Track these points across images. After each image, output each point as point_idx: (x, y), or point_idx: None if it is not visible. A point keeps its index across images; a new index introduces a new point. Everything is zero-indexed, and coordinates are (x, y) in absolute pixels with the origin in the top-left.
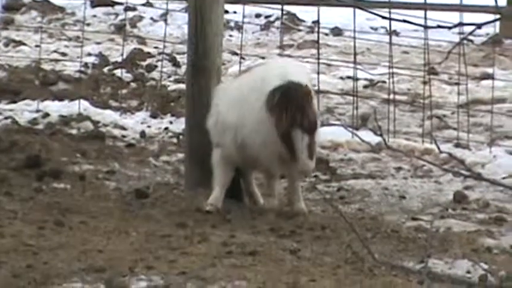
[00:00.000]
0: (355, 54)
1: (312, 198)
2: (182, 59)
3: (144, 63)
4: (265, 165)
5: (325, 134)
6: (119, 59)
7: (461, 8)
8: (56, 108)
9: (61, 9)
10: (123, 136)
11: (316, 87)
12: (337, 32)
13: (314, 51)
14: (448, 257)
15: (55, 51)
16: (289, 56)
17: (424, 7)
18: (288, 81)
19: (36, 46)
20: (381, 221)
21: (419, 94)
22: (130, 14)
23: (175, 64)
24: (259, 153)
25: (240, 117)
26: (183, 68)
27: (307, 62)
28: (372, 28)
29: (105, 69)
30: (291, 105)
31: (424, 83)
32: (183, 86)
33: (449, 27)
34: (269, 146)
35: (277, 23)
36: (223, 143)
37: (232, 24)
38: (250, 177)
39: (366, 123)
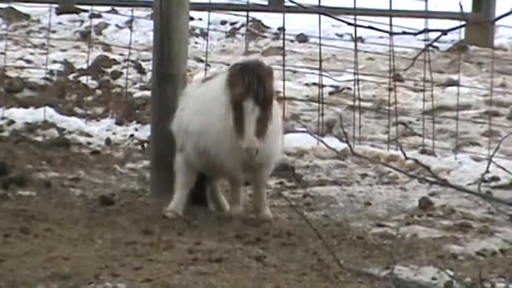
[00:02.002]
0: (320, 60)
1: (278, 204)
2: (148, 66)
3: (109, 70)
4: (229, 173)
5: (291, 140)
6: (84, 66)
7: (426, 15)
8: (21, 116)
9: (26, 16)
10: (89, 143)
11: (281, 94)
12: (302, 38)
13: (279, 58)
14: (414, 264)
15: (20, 59)
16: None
17: (390, 14)
18: (251, 59)
19: (1, 53)
20: (347, 227)
21: (384, 101)
22: (96, 21)
23: (141, 71)
24: (222, 161)
25: (203, 125)
26: (149, 75)
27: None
28: (337, 35)
29: (71, 77)
30: (249, 75)
31: (390, 89)
32: (148, 93)
33: (415, 34)
34: (232, 154)
35: (243, 30)
36: (186, 148)
37: (197, 31)
38: (215, 183)
39: (332, 130)
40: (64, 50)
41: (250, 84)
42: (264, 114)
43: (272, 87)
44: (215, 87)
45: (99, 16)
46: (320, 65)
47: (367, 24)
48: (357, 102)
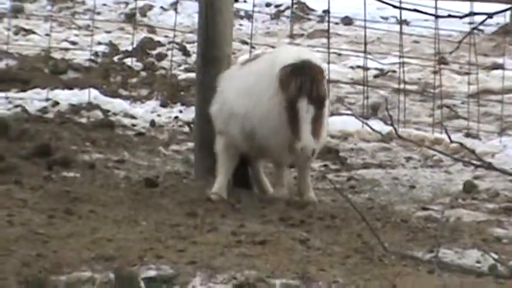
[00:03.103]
0: (365, 43)
1: (322, 187)
2: (192, 48)
3: (154, 52)
4: (275, 154)
5: (335, 123)
6: (129, 48)
7: None
8: (65, 97)
9: None
10: (133, 125)
11: (326, 77)
12: (347, 21)
13: (324, 40)
14: (458, 247)
15: (65, 40)
16: (299, 45)
17: None
18: (303, 59)
19: (46, 35)
20: (391, 210)
21: (429, 84)
22: (141, 3)
23: (186, 53)
24: (268, 141)
25: (249, 106)
26: (193, 57)
27: (318, 51)
28: (382, 17)
29: (115, 58)
30: (301, 75)
31: (435, 72)
32: (193, 75)
33: (460, 17)
34: (279, 134)
35: (288, 12)
36: (227, 131)
37: (242, 13)
38: (258, 166)
39: (376, 113)
40: (109, 32)
41: (303, 85)
42: (319, 113)
43: (324, 85)
44: (258, 68)
45: None
46: (365, 47)
47: (412, 7)
48: (401, 85)
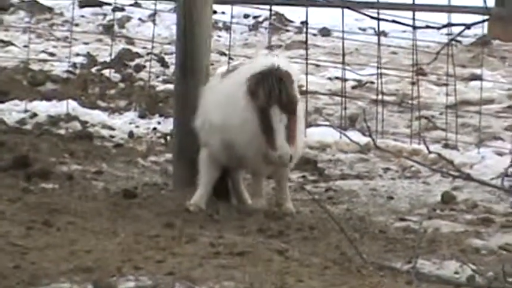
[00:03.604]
0: (343, 54)
1: (300, 198)
2: (170, 59)
3: (132, 64)
4: (252, 165)
5: (314, 134)
6: (107, 59)
7: (449, 9)
8: (44, 109)
9: (49, 9)
10: (111, 136)
11: (304, 88)
12: (325, 32)
13: (302, 51)
14: (436, 258)
15: (43, 52)
16: (277, 55)
17: (413, 8)
18: (271, 66)
19: (25, 46)
20: (369, 221)
21: (407, 95)
22: (119, 14)
23: (164, 64)
24: (245, 151)
25: (225, 117)
26: (172, 69)
27: (296, 62)
28: (360, 29)
29: (94, 70)
30: (269, 81)
31: (413, 83)
32: (171, 86)
33: (438, 28)
34: (255, 144)
35: (266, 24)
36: (210, 143)
37: (220, 24)
38: (238, 177)
39: (354, 124)
40: (87, 43)
41: (272, 91)
42: (292, 119)
43: (294, 90)
44: (234, 79)
45: (122, 9)
46: (343, 59)
47: (390, 18)
48: (379, 96)
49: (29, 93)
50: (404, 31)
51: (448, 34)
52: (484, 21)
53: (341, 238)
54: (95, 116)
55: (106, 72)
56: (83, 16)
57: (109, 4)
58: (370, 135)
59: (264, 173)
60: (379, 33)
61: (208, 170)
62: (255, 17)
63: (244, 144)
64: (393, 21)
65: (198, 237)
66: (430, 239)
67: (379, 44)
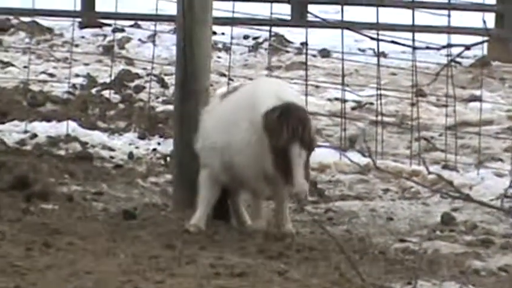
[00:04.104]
0: (343, 75)
1: (300, 219)
2: (170, 80)
3: (132, 85)
4: (252, 186)
5: (313, 155)
6: (107, 80)
7: (449, 30)
8: (44, 129)
9: (49, 30)
10: (111, 157)
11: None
12: (325, 53)
13: (302, 72)
14: (436, 279)
15: (43, 72)
16: (277, 77)
17: (412, 29)
18: (287, 101)
19: (25, 67)
20: (369, 242)
21: (407, 116)
22: (119, 35)
23: (164, 85)
24: (245, 173)
25: (227, 138)
26: (171, 89)
27: (295, 83)
28: (359, 50)
29: (93, 90)
30: (293, 119)
31: (412, 104)
32: (171, 107)
33: (438, 49)
34: (255, 165)
35: (266, 45)
36: (210, 164)
37: (220, 45)
38: (237, 198)
39: (354, 145)
40: (87, 64)
41: (295, 131)
42: (308, 158)
43: (313, 128)
44: (236, 101)
45: (122, 30)
46: (343, 80)
47: (389, 39)
48: (379, 117)
49: (28, 114)
50: (404, 52)
51: (447, 55)
52: (483, 42)
53: (341, 259)
54: (95, 136)
55: (106, 93)
56: (83, 37)
57: (109, 25)
58: (370, 156)
59: (263, 194)
60: (379, 54)
61: (207, 191)
62: (254, 38)
63: (245, 166)
64: (393, 42)
65: (198, 258)
66: (430, 260)
67: (378, 65)
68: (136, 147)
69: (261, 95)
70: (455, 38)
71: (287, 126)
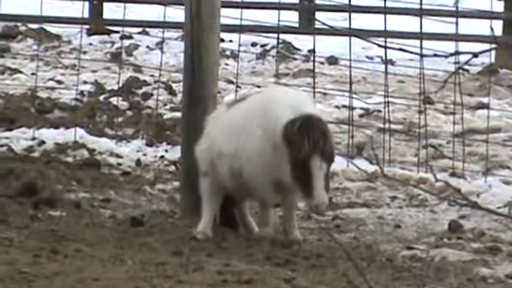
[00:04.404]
0: (350, 83)
1: (307, 226)
2: (178, 87)
3: (140, 92)
4: (260, 194)
5: None
6: (115, 87)
7: (457, 38)
8: (51, 136)
9: (57, 37)
10: (119, 164)
11: None
12: (332, 60)
13: (310, 80)
14: (443, 287)
15: (51, 79)
16: (285, 84)
17: (420, 36)
18: (307, 113)
19: (32, 74)
20: (376, 250)
21: (414, 123)
22: (127, 42)
23: (171, 92)
24: (254, 181)
25: (237, 146)
26: (179, 97)
27: (303, 90)
28: (367, 57)
29: (101, 97)
30: (314, 131)
31: (420, 112)
32: (178, 114)
33: (445, 56)
34: (266, 174)
35: (273, 52)
36: (215, 171)
37: (228, 52)
38: (244, 205)
39: (362, 152)
40: (95, 71)
41: (317, 143)
42: (328, 170)
43: (333, 140)
44: (248, 110)
45: (130, 37)
46: (350, 87)
47: (397, 46)
48: (387, 125)
49: (36, 120)
50: (411, 59)
51: (455, 63)
52: (491, 49)
53: (348, 266)
54: (103, 143)
55: (114, 100)
56: (91, 44)
57: (117, 32)
58: (377, 164)
59: (271, 201)
60: (387, 62)
61: (210, 198)
62: (262, 46)
63: (254, 174)
64: (400, 49)
65: (205, 265)
66: (437, 267)
67: (386, 73)
68: (144, 154)
69: (277, 103)
70: (463, 46)
71: (308, 139)
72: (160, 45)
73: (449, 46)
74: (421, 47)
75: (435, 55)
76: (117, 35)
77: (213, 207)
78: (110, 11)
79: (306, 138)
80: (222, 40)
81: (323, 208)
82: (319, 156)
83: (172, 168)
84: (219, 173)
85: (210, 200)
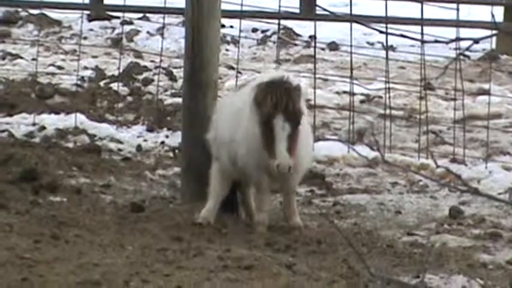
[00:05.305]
0: (351, 69)
1: (308, 212)
2: (179, 73)
3: (140, 77)
4: (254, 177)
5: (321, 148)
6: (116, 73)
7: (458, 24)
8: (52, 122)
9: (58, 22)
10: (119, 150)
11: (312, 102)
12: (333, 46)
13: (310, 65)
14: (444, 272)
15: (52, 65)
16: (285, 70)
17: (421, 22)
18: (276, 76)
19: (33, 59)
20: (377, 236)
21: (415, 109)
22: (127, 28)
23: (172, 78)
24: (247, 164)
25: (231, 131)
26: (180, 82)
27: (304, 76)
28: (368, 43)
29: (102, 83)
30: (276, 91)
31: (421, 98)
32: (179, 100)
33: (446, 42)
34: (255, 157)
35: (274, 38)
36: (220, 157)
37: (228, 38)
38: (247, 191)
39: (362, 138)
40: (95, 57)
41: (279, 102)
42: (295, 131)
43: (300, 102)
44: (243, 94)
45: (130, 23)
46: (351, 73)
47: (398, 32)
48: (387, 111)
49: (37, 106)
50: (412, 45)
51: (456, 49)
52: (492, 35)
53: (349, 252)
54: (103, 129)
55: (114, 85)
56: (91, 30)
57: (117, 18)
58: (378, 150)
59: (267, 187)
60: (387, 48)
61: (218, 183)
62: (263, 31)
63: (246, 157)
64: (401, 35)
65: (205, 251)
66: (438, 253)
67: (387, 59)
68: (145, 140)
69: (260, 81)
70: (464, 32)
71: (271, 98)
72: (161, 30)
73: (450, 32)
74: (422, 33)
75: (436, 41)
76: (118, 21)
77: (219, 194)
78: None
79: (268, 97)
80: (223, 26)
81: (284, 168)
82: (282, 116)
83: (171, 154)
84: (222, 160)
85: (218, 185)
